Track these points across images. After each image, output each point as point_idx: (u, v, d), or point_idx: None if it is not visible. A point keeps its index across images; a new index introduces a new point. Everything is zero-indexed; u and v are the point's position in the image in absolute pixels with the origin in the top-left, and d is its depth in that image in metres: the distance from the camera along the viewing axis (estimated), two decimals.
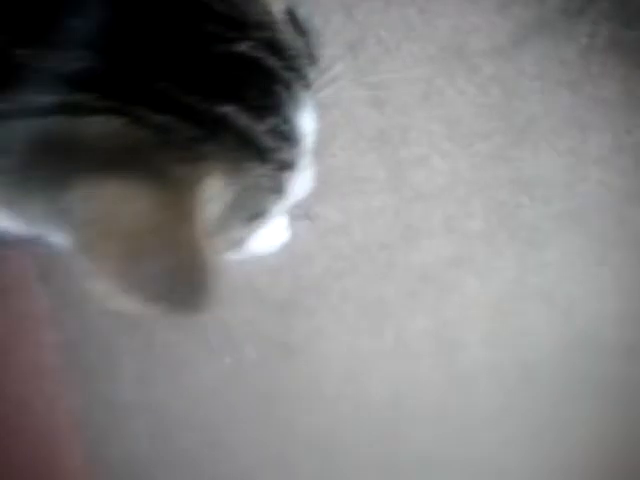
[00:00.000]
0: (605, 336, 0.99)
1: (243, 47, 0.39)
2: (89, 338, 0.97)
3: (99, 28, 0.36)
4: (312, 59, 0.44)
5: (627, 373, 1.03)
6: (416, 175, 0.87)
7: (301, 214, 0.86)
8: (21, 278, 0.89)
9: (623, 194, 0.87)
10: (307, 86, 0.43)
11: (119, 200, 0.35)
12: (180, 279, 0.37)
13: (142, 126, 0.36)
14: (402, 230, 0.91)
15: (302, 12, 0.44)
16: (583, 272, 0.94)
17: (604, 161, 0.85)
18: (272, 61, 0.41)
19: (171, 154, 0.37)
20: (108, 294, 0.36)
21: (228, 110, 0.39)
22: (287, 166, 0.43)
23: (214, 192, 0.38)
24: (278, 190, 0.43)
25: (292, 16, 0.43)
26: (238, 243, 0.46)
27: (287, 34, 0.42)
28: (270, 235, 0.53)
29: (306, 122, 0.43)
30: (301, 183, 0.46)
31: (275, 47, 0.41)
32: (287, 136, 0.42)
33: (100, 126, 0.36)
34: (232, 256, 0.46)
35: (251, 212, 0.43)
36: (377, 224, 0.90)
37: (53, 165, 0.36)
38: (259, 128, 0.40)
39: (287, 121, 0.42)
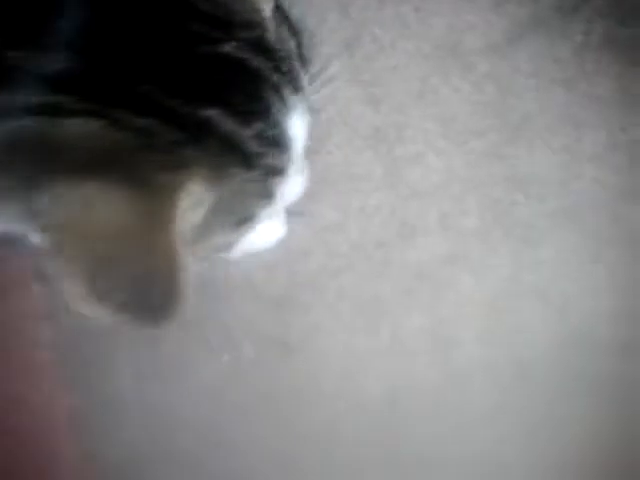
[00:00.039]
0: (600, 333, 1.00)
1: (228, 48, 0.38)
2: (88, 337, 0.97)
3: (81, 29, 0.36)
4: (303, 60, 0.43)
5: (622, 370, 1.03)
6: (412, 173, 0.87)
7: (295, 211, 0.86)
8: (20, 278, 0.89)
9: (618, 192, 0.88)
10: (297, 89, 0.42)
11: (93, 203, 0.35)
12: (152, 287, 0.36)
13: (121, 129, 0.36)
14: (398, 228, 0.91)
15: (295, 11, 0.43)
16: (578, 269, 0.95)
17: (599, 159, 0.85)
18: (259, 62, 0.40)
19: (151, 159, 0.36)
20: (77, 298, 0.35)
21: (212, 114, 0.38)
22: (275, 172, 0.42)
23: (196, 198, 0.37)
24: (266, 195, 0.42)
25: (283, 15, 0.42)
26: (227, 247, 0.45)
27: (277, 34, 0.41)
28: (265, 233, 0.52)
29: (296, 127, 0.42)
30: (291, 188, 0.45)
31: (263, 48, 0.40)
32: (275, 141, 0.41)
33: (78, 128, 0.35)
34: (226, 255, 0.46)
35: (239, 217, 0.43)
36: (373, 222, 0.90)
37: (29, 165, 0.36)
38: (245, 133, 0.39)
39: (275, 126, 0.41)
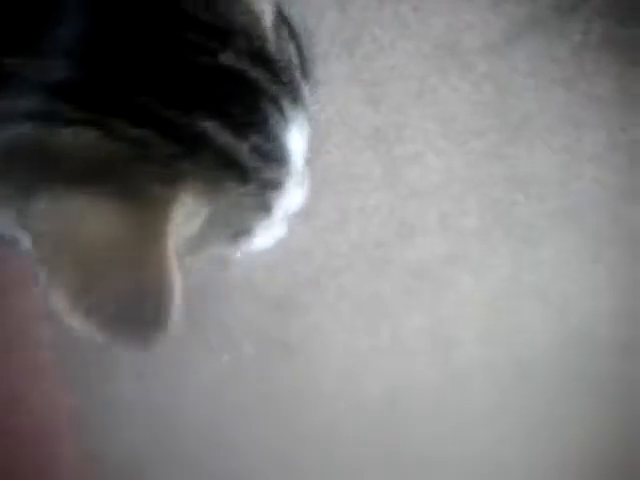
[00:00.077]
0: (599, 333, 1.00)
1: (227, 58, 0.37)
2: (88, 337, 0.97)
3: (80, 37, 0.35)
4: (304, 70, 0.42)
5: (621, 370, 1.03)
6: (411, 173, 0.87)
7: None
8: (20, 278, 0.89)
9: (617, 192, 0.87)
10: (297, 99, 0.41)
11: (84, 214, 0.34)
12: (142, 302, 0.35)
13: (116, 139, 0.35)
14: (397, 227, 0.91)
15: (295, 14, 0.42)
16: (578, 269, 0.95)
17: (598, 159, 0.85)
18: (258, 73, 0.39)
19: (146, 170, 0.35)
20: (64, 310, 0.34)
21: (208, 126, 0.37)
22: (273, 186, 0.41)
23: (190, 211, 0.37)
24: (264, 209, 0.41)
25: (284, 21, 0.41)
26: (224, 257, 0.45)
27: (277, 44, 0.40)
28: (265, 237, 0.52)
29: (295, 139, 0.41)
30: (290, 201, 0.43)
31: (263, 58, 0.39)
32: (272, 155, 0.40)
33: (73, 137, 0.35)
34: (227, 254, 0.46)
35: (236, 229, 0.42)
36: (372, 221, 0.90)
37: (26, 174, 0.35)
38: (241, 146, 0.38)
39: (273, 139, 0.40)
